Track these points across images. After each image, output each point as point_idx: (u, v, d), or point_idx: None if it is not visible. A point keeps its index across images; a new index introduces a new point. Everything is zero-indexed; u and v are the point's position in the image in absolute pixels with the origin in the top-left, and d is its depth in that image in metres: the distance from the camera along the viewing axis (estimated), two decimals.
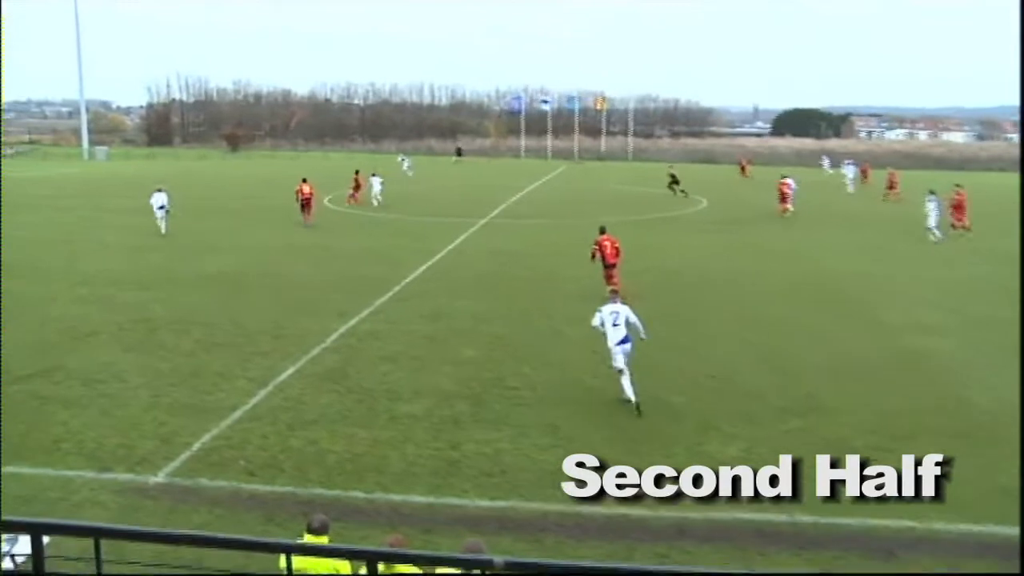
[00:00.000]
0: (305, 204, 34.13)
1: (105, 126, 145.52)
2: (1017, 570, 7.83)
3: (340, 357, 15.36)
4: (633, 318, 13.09)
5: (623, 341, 12.93)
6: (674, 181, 48.57)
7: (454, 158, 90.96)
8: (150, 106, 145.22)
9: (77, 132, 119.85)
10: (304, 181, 34.91)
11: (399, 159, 63.01)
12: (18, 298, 19.81)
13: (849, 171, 55.62)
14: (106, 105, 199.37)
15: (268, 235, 31.46)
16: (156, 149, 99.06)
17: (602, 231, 20.96)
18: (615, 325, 13.00)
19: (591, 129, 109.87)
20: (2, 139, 54.70)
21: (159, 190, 33.10)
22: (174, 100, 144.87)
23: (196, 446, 11.29)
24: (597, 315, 13.28)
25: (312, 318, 18.18)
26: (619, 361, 12.92)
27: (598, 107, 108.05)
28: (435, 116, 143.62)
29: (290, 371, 14.46)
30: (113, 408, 12.63)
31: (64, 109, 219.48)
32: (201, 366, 14.71)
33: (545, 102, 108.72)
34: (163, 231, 31.04)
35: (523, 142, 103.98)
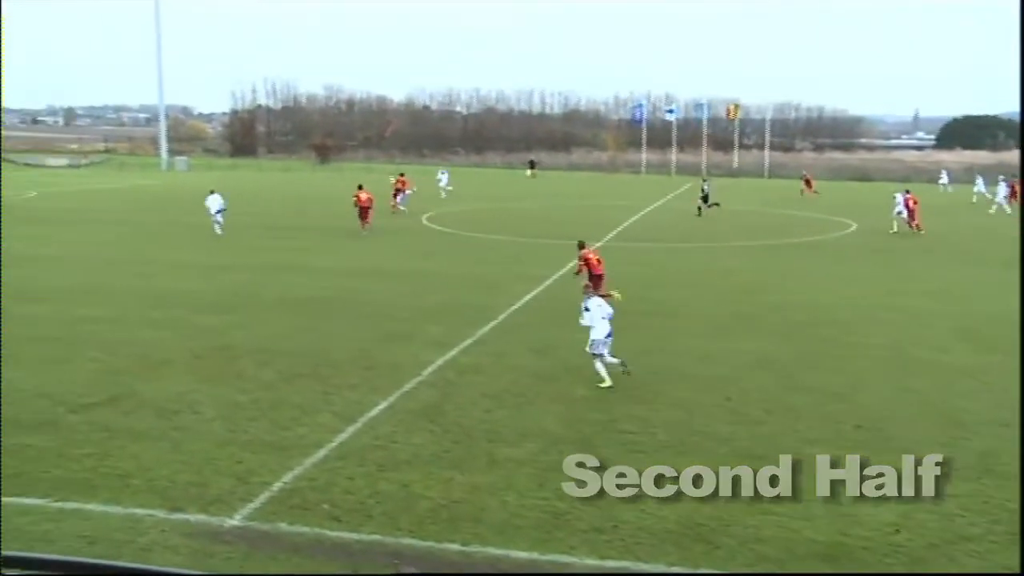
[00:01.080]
0: (363, 212, 38.03)
1: (185, 134, 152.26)
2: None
3: (437, 392, 15.41)
4: (609, 310, 15.75)
5: (610, 334, 15.69)
6: (704, 198, 47.33)
7: (528, 172, 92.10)
8: (234, 113, 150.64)
9: (155, 140, 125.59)
10: (360, 188, 39.13)
11: (438, 174, 63.58)
12: (87, 321, 20.74)
13: (1001, 190, 53.18)
14: (186, 111, 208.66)
15: (358, 256, 32.12)
16: (239, 160, 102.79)
17: (581, 246, 22.85)
18: (603, 318, 15.60)
19: (722, 141, 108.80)
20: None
21: (212, 192, 38.43)
22: (259, 106, 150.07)
23: (276, 486, 11.44)
24: (586, 313, 15.64)
25: (405, 348, 18.35)
26: (606, 354, 15.59)
27: (730, 116, 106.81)
28: (546, 126, 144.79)
29: (381, 406, 14.57)
30: (186, 442, 12.95)
31: (142, 115, 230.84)
32: (282, 399, 14.98)
33: (670, 111, 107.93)
34: (219, 233, 36.43)
35: (644, 156, 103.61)
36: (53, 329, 19.87)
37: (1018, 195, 52.91)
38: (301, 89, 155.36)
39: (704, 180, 48.17)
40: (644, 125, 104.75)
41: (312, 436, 13.20)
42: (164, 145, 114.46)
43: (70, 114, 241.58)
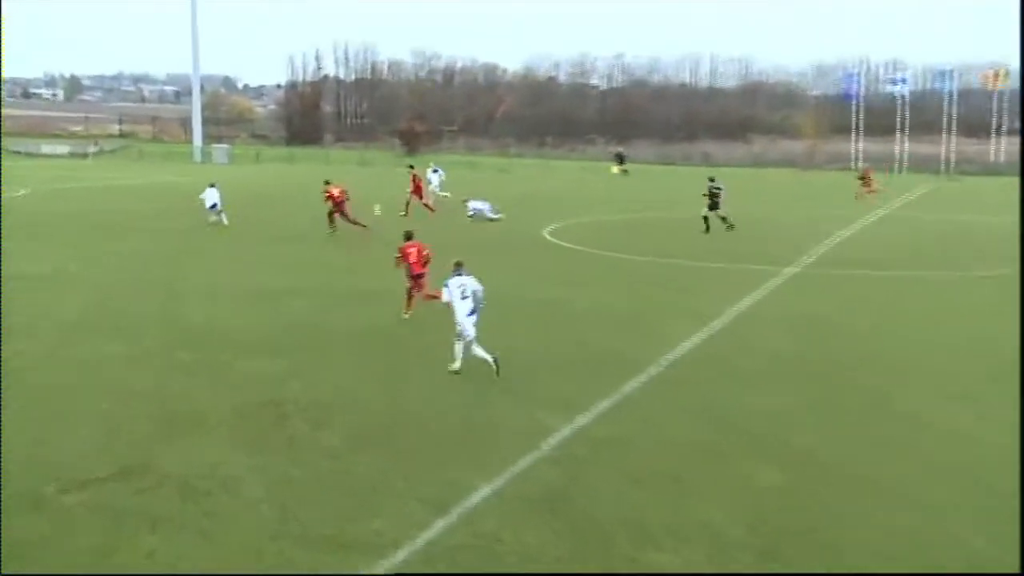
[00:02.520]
0: (336, 209, 44.11)
1: (226, 114, 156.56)
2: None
3: (561, 473, 15.34)
4: (478, 287, 20.50)
5: (472, 313, 20.28)
6: (711, 198, 46.94)
7: (615, 168, 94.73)
8: (291, 86, 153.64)
9: (186, 122, 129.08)
10: (327, 183, 45.06)
11: (428, 172, 63.41)
12: (93, 364, 21.37)
13: None
14: (229, 83, 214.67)
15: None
16: (297, 149, 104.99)
17: (408, 237, 26.30)
18: (464, 298, 20.20)
19: (975, 125, 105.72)
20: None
21: (212, 185, 46.93)
22: (326, 78, 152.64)
23: None
24: (445, 290, 20.36)
25: (520, 409, 18.30)
26: (469, 332, 20.17)
27: (991, 86, 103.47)
28: (716, 106, 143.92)
29: (483, 491, 14.53)
30: (220, 532, 13.14)
31: (169, 88, 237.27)
32: (350, 476, 15.10)
33: (897, 82, 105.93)
34: (224, 222, 45.58)
35: (858, 146, 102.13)
36: (49, 374, 20.55)
37: None
38: (382, 56, 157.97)
39: (712, 179, 47.39)
40: (858, 103, 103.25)
41: (389, 531, 13.24)
42: (198, 129, 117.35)
43: (73, 85, 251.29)
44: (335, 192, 44.23)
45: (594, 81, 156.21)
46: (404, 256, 25.89)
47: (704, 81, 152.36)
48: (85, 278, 32.40)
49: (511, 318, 26.26)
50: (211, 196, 46.73)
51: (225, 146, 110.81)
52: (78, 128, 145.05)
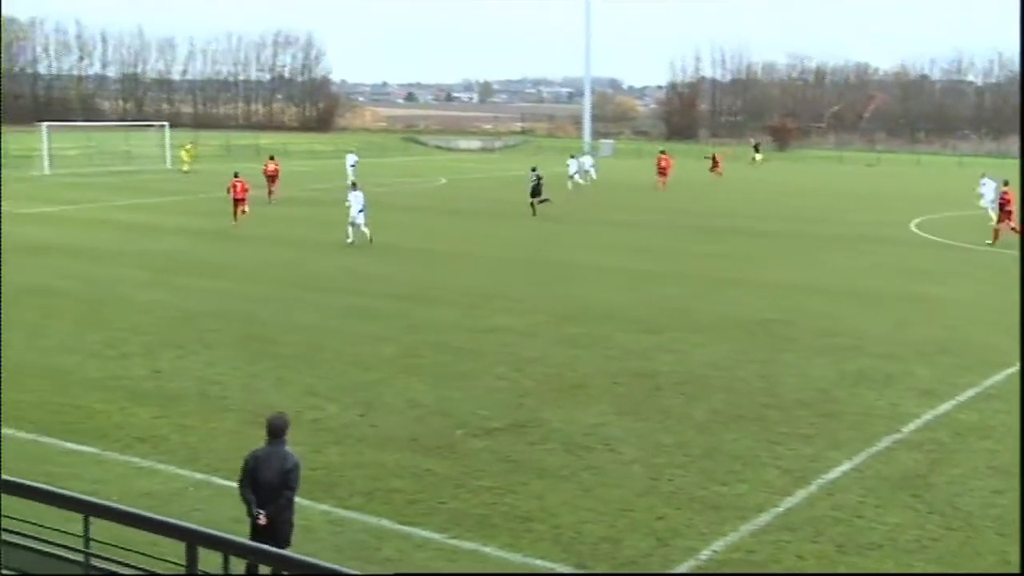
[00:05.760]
0: (270, 182, 49.76)
1: (611, 112, 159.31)
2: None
3: (922, 458, 14.69)
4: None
5: (362, 210, 34.40)
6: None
7: (754, 156, 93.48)
8: (671, 87, 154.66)
9: (577, 120, 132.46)
10: (271, 159, 51.55)
11: (569, 160, 62.83)
12: (494, 331, 22.35)
13: None
14: (615, 84, 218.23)
15: (820, 269, 31.70)
16: (674, 144, 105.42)
17: (236, 175, 40.27)
18: (360, 211, 34.62)
19: None
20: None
21: (352, 151, 56.92)
22: (703, 79, 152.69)
23: (703, 554, 11.53)
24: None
25: (880, 394, 17.71)
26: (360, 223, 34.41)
27: None
28: None
29: (843, 467, 14.17)
30: (598, 486, 13.46)
31: (564, 90, 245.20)
32: (717, 445, 15.08)
33: None
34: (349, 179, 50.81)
35: None
36: (459, 337, 21.67)
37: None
38: (756, 57, 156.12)
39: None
40: None
41: (752, 496, 13.15)
42: (588, 125, 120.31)
43: (486, 89, 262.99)
44: (271, 167, 50.10)
45: (970, 78, 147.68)
46: (233, 188, 39.77)
47: None
48: (482, 256, 33.72)
49: (869, 309, 25.35)
50: (350, 159, 60.47)
51: (610, 141, 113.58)
52: (488, 126, 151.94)
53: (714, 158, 72.24)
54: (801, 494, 13.26)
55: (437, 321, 23.24)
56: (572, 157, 63.43)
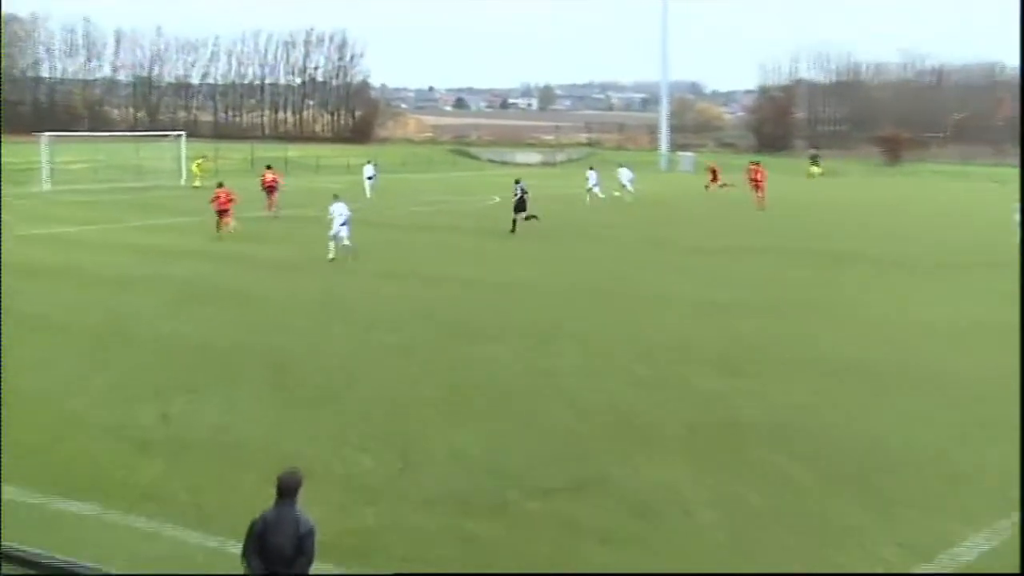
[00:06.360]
0: (269, 192, 53.26)
1: (692, 121, 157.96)
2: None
3: None
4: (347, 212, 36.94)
5: (345, 223, 36.75)
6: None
7: (812, 169, 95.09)
8: (762, 91, 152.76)
9: (653, 130, 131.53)
10: (268, 168, 55.36)
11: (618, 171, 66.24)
12: (551, 373, 22.16)
13: None
14: (696, 89, 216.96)
15: (931, 302, 31.16)
16: (765, 157, 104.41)
17: (220, 185, 44.25)
18: (340, 215, 36.91)
19: None
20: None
21: (369, 161, 63.79)
22: (799, 82, 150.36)
23: None
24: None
25: (1013, 452, 17.23)
26: (343, 236, 36.80)
27: None
28: None
29: (973, 542, 13.72)
30: (672, 555, 13.27)
31: (636, 95, 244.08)
32: (814, 507, 14.78)
33: None
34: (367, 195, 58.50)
35: None
36: (510, 379, 21.61)
37: None
38: (863, 56, 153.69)
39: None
40: None
41: (860, 572, 12.82)
42: (665, 136, 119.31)
43: (546, 95, 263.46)
44: (268, 177, 52.95)
45: None
46: (216, 198, 42.94)
47: None
48: (537, 286, 33.46)
49: (996, 350, 24.80)
50: (367, 170, 65.43)
51: (690, 154, 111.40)
52: (549, 137, 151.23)
53: (713, 171, 72.18)
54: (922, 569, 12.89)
55: (486, 359, 23.17)
56: (620, 167, 67.35)
